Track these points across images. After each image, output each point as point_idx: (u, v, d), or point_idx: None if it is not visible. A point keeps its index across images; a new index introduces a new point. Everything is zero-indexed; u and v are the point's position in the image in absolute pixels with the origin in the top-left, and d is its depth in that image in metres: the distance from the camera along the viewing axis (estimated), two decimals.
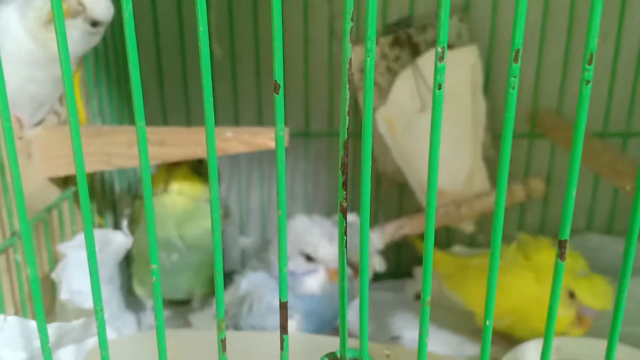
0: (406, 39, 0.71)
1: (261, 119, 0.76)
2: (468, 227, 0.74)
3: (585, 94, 0.25)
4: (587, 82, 0.24)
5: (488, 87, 0.72)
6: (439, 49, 0.24)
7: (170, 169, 0.61)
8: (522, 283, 0.58)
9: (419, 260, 0.80)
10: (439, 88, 0.24)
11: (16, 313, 0.49)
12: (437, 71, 0.24)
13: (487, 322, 0.27)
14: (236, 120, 0.76)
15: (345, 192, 0.28)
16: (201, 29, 0.25)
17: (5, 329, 0.38)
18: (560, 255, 0.26)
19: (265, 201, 0.80)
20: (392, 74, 0.72)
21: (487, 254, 0.69)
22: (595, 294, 0.57)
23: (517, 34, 0.24)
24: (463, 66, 0.70)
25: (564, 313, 0.58)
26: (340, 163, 0.27)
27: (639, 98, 0.73)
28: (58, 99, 0.56)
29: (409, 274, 0.79)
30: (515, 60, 0.24)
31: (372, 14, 0.24)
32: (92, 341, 0.44)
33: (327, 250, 0.59)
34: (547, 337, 0.27)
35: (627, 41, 0.71)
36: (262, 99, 0.75)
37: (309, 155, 0.78)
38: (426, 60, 0.71)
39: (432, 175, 0.26)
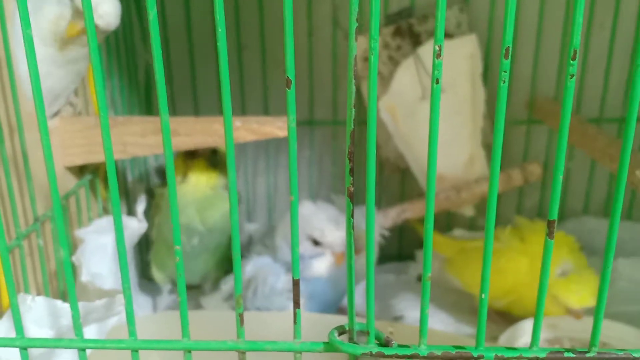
0: (407, 29, 0.73)
1: (267, 106, 0.78)
2: (468, 211, 0.77)
3: (570, 87, 0.27)
4: (572, 76, 0.27)
5: (487, 76, 0.74)
6: (436, 47, 0.26)
7: (188, 161, 0.64)
8: (517, 265, 0.60)
9: (421, 244, 0.82)
10: (437, 82, 0.27)
11: (38, 294, 0.51)
12: (434, 67, 0.27)
13: (483, 296, 0.30)
14: (243, 108, 0.78)
15: (352, 178, 0.30)
16: (219, 30, 0.27)
17: (33, 308, 0.41)
18: (549, 234, 0.29)
19: (272, 188, 0.83)
20: (394, 63, 0.74)
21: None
22: (576, 293, 0.59)
23: (507, 32, 0.26)
24: (462, 55, 0.72)
25: (554, 310, 0.60)
26: (347, 151, 0.30)
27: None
28: (74, 90, 0.59)
29: (411, 257, 0.81)
30: (506, 56, 0.26)
31: (375, 15, 0.26)
32: (114, 320, 0.46)
33: (334, 234, 0.61)
34: (537, 318, 0.30)
35: (622, 29, 0.73)
36: (268, 87, 0.77)
37: (313, 143, 0.80)
38: (427, 50, 0.73)
39: (432, 164, 0.29)
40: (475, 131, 0.75)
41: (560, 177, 0.28)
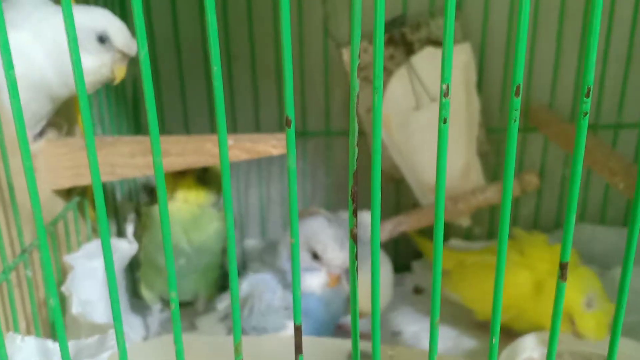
0: (400, 38, 0.72)
1: (258, 118, 0.77)
2: (465, 222, 0.76)
3: (583, 125, 0.26)
4: (585, 114, 0.25)
5: (481, 84, 0.73)
6: (444, 87, 0.25)
7: (176, 178, 0.63)
8: (517, 280, 0.59)
9: (417, 254, 0.82)
10: (444, 122, 0.25)
11: (27, 327, 0.50)
12: (442, 106, 0.25)
13: (494, 340, 0.28)
14: (233, 121, 0.76)
15: (355, 220, 0.29)
16: (215, 68, 0.25)
17: (23, 348, 0.39)
18: (562, 276, 0.28)
19: (265, 200, 0.81)
20: (387, 72, 0.72)
21: (483, 250, 0.71)
22: (601, 331, 0.57)
23: (518, 70, 0.25)
24: (456, 64, 0.71)
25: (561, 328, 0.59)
26: (350, 192, 0.28)
27: (630, 90, 0.75)
28: (55, 110, 0.57)
29: (407, 268, 0.80)
30: (517, 94, 0.25)
31: (379, 55, 0.25)
32: (107, 355, 0.45)
33: (336, 253, 0.60)
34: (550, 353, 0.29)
35: (617, 34, 0.72)
36: (259, 98, 0.76)
37: (306, 154, 0.79)
38: (420, 59, 0.72)
39: (440, 191, 0.27)
40: (470, 140, 0.74)
41: (573, 222, 0.27)
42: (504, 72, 0.74)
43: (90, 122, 0.27)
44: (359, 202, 0.30)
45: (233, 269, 0.29)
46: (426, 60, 0.72)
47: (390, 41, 0.72)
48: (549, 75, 0.74)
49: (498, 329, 0.29)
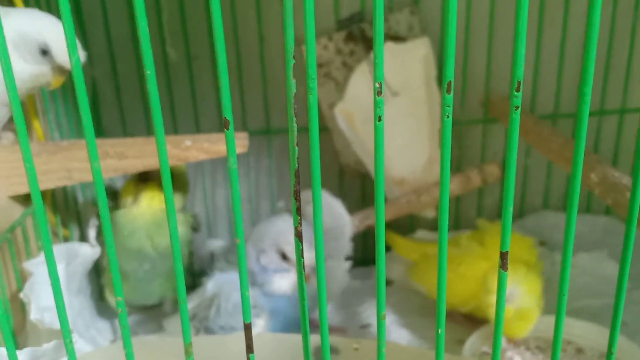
0: (359, 34, 0.72)
1: (221, 118, 0.76)
2: (429, 213, 0.76)
3: (515, 118, 0.26)
4: (517, 107, 0.26)
5: (441, 77, 0.74)
6: (377, 84, 0.25)
7: (139, 185, 0.62)
8: (478, 271, 0.60)
9: (386, 247, 0.82)
10: (379, 120, 0.26)
11: None
12: (376, 104, 0.25)
13: (440, 331, 0.29)
14: (196, 120, 0.76)
15: (299, 217, 0.29)
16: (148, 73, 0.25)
17: None
18: (502, 265, 0.28)
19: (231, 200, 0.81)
20: (348, 68, 0.73)
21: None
22: (521, 329, 0.58)
23: (449, 67, 0.25)
24: (416, 58, 0.72)
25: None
26: (292, 191, 0.29)
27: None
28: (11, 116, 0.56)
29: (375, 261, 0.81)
30: (448, 91, 0.25)
31: (311, 55, 0.25)
32: None
33: (305, 254, 0.60)
34: (495, 349, 0.29)
35: (572, 26, 0.73)
36: (219, 97, 0.75)
37: (271, 151, 0.79)
38: None
39: (379, 190, 0.28)
40: (433, 133, 0.74)
41: (510, 213, 0.27)
42: (463, 64, 0.75)
43: (24, 129, 0.27)
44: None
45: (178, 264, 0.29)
46: (386, 55, 0.72)
47: (349, 37, 0.72)
48: (508, 66, 0.75)
49: (443, 321, 0.29)
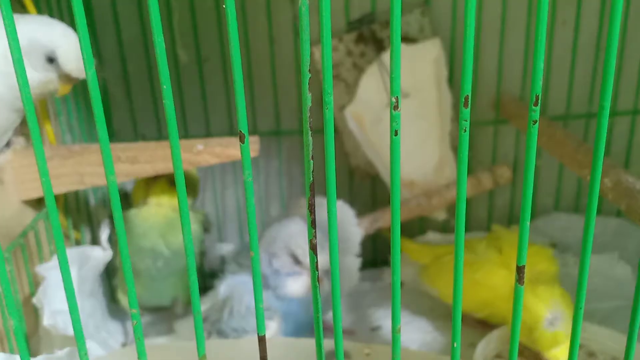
0: (370, 35, 0.72)
1: (231, 119, 0.76)
2: (440, 215, 0.76)
3: (533, 133, 0.26)
4: (534, 122, 0.26)
5: (452, 78, 0.73)
6: (393, 99, 0.25)
7: (149, 182, 0.62)
8: (494, 279, 0.60)
9: None
10: (395, 134, 0.26)
11: (0, 341, 0.50)
12: (392, 119, 0.25)
13: (455, 345, 0.29)
14: (207, 123, 0.76)
15: (314, 230, 0.29)
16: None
17: None
18: (519, 280, 0.28)
19: (241, 202, 0.81)
20: (358, 70, 0.72)
21: None
22: (562, 354, 0.55)
23: (466, 81, 0.25)
24: (427, 59, 0.71)
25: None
26: (307, 204, 0.28)
27: (600, 80, 0.75)
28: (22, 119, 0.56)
29: (386, 262, 0.81)
30: (465, 105, 0.25)
31: (328, 69, 0.25)
32: None
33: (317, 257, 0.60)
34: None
35: (585, 26, 0.73)
36: (231, 100, 0.75)
37: (281, 153, 0.79)
38: None
39: (395, 195, 0.27)
40: (443, 135, 0.74)
41: (527, 226, 0.27)
42: (474, 65, 0.74)
43: (39, 137, 0.27)
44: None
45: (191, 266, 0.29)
46: None
47: (360, 38, 0.72)
48: (520, 66, 0.74)
49: (459, 333, 0.29)
